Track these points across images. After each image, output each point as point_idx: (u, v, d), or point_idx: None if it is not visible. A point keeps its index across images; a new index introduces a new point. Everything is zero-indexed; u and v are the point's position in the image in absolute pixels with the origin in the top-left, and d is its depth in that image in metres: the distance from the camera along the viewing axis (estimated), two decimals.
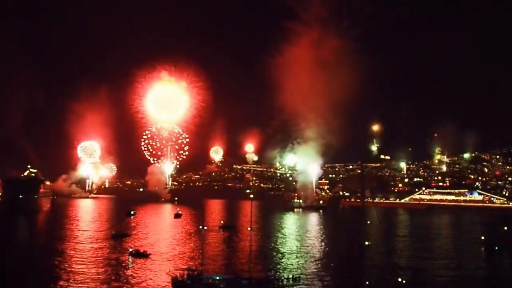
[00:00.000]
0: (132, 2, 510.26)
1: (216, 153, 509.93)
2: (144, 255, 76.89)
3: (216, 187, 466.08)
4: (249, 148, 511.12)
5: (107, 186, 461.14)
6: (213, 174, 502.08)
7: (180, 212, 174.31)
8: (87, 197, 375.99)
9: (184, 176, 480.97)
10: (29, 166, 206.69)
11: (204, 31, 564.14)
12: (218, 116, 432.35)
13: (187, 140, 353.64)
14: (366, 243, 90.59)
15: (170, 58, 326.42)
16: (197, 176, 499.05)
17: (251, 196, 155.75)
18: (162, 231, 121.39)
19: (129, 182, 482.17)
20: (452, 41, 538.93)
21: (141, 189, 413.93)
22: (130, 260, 74.56)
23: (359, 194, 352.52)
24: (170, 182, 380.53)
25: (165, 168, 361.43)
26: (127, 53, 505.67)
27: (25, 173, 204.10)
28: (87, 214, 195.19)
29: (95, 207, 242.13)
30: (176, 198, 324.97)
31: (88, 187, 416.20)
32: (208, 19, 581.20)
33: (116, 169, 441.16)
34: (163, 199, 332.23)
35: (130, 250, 79.97)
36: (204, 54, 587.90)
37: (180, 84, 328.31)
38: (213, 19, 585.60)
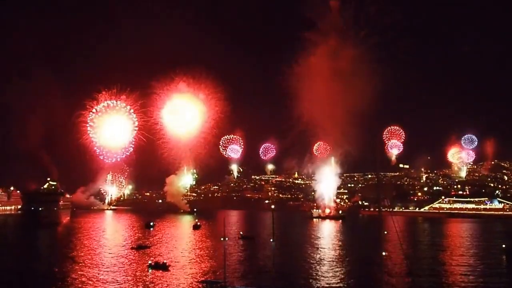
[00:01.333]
0: (151, 16, 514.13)
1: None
2: (164, 267, 76.30)
3: (234, 198, 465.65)
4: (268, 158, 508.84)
5: (126, 198, 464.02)
6: (232, 184, 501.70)
7: (199, 223, 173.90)
8: (107, 209, 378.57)
9: (203, 187, 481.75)
10: (48, 179, 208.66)
11: (223, 42, 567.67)
12: (236, 126, 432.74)
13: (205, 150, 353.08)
14: (384, 253, 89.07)
15: (188, 70, 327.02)
16: (215, 187, 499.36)
17: (272, 206, 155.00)
18: (182, 243, 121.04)
19: (148, 194, 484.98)
20: (472, 49, 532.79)
21: (160, 201, 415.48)
22: (149, 272, 74.04)
23: (377, 204, 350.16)
24: (189, 193, 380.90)
25: (184, 179, 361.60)
26: (145, 65, 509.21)
27: (45, 186, 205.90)
28: (107, 226, 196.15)
29: (114, 219, 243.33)
30: (195, 209, 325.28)
31: (107, 199, 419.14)
32: (226, 30, 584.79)
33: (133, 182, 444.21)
34: (182, 211, 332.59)
35: (150, 262, 79.49)
36: (222, 65, 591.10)
37: (198, 95, 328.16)
38: (231, 29, 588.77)
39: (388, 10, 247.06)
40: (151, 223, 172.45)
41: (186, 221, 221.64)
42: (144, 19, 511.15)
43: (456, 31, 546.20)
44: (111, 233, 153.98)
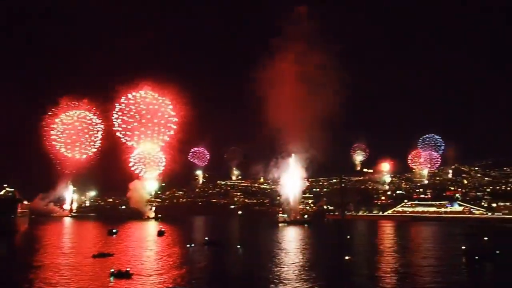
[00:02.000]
0: (115, 17, 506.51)
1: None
2: (127, 275, 73.42)
3: (200, 203, 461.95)
4: (233, 163, 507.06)
5: (87, 204, 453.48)
6: (197, 190, 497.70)
7: (163, 230, 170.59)
8: (67, 216, 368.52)
9: (168, 193, 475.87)
10: (5, 185, 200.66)
11: (189, 47, 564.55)
12: (202, 131, 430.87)
13: (170, 155, 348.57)
14: (346, 257, 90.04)
15: (152, 74, 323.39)
16: (180, 193, 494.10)
17: (240, 212, 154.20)
18: (146, 250, 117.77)
19: (111, 200, 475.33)
20: (434, 55, 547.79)
21: (124, 207, 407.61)
22: (111, 280, 71.12)
23: (342, 208, 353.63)
24: (153, 199, 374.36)
25: (148, 185, 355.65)
26: (109, 69, 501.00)
27: (1, 192, 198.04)
28: (67, 233, 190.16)
29: (75, 227, 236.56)
30: (159, 215, 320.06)
31: (68, 205, 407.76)
32: (192, 34, 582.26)
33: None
34: (146, 217, 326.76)
35: (112, 270, 76.29)
36: (188, 70, 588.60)
37: (163, 100, 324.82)
38: (197, 34, 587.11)
39: (353, 19, 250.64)
40: (114, 230, 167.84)
41: (151, 228, 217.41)
42: (107, 22, 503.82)
43: (421, 38, 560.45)
44: (71, 241, 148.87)
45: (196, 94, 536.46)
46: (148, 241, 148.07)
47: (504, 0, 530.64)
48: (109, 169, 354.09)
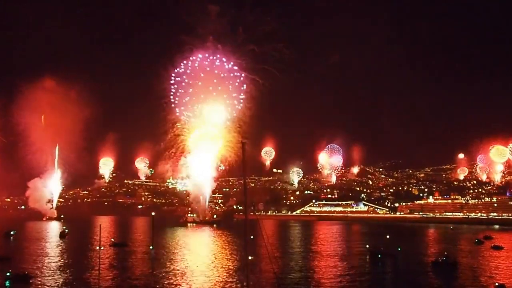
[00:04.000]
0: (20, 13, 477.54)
1: (106, 165, 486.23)
2: (24, 279, 69.46)
3: (106, 203, 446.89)
4: (141, 163, 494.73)
5: None
6: (103, 189, 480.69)
7: (66, 231, 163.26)
8: None
9: (72, 192, 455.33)
10: None
11: (97, 42, 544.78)
12: (109, 129, 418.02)
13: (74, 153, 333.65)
14: (250, 257, 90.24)
15: (58, 70, 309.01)
16: (85, 192, 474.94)
17: (153, 214, 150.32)
18: (46, 252, 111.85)
19: (8, 200, 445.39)
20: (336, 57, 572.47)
21: (23, 207, 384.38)
22: (7, 285, 66.96)
23: (252, 208, 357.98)
24: (56, 199, 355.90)
25: (50, 184, 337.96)
26: (10, 62, 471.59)
27: None
28: None
29: None
30: (62, 216, 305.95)
31: None
32: (102, 29, 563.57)
33: None
34: (47, 217, 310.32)
35: (8, 273, 71.50)
36: (96, 67, 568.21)
37: (68, 96, 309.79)
38: (107, 29, 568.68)
39: (265, 20, 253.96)
40: (12, 232, 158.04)
41: (52, 229, 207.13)
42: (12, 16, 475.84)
43: (328, 44, 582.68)
44: None
45: (105, 91, 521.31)
46: (49, 242, 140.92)
47: None
48: (7, 167, 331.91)
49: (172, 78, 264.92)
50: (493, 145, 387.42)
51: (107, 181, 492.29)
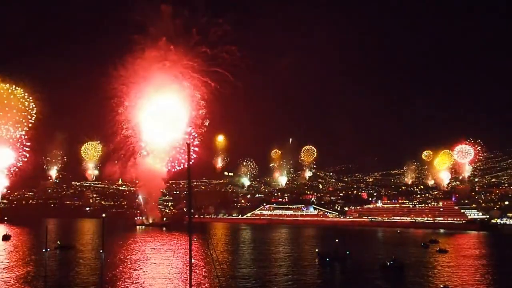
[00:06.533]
0: None
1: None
2: None
3: (52, 205, 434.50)
4: (89, 164, 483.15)
5: None
6: (49, 191, 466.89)
7: (9, 234, 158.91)
8: None
9: (16, 193, 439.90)
10: None
11: (45, 38, 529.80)
12: (56, 129, 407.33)
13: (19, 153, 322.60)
14: (193, 261, 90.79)
15: (4, 65, 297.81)
16: (30, 194, 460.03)
17: (104, 215, 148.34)
18: None
19: None
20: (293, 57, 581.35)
21: None
22: None
23: (203, 211, 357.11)
24: None
25: None
26: None
27: None
28: None
29: None
30: (5, 218, 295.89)
31: None
32: (49, 26, 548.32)
33: None
34: None
35: None
36: (44, 63, 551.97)
37: (15, 92, 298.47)
38: (55, 26, 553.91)
39: (217, 22, 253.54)
40: None
41: None
42: None
43: (280, 47, 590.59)
44: None
45: (53, 89, 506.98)
46: None
47: None
48: None
49: (122, 78, 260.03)
50: (439, 151, 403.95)
51: (53, 182, 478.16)
